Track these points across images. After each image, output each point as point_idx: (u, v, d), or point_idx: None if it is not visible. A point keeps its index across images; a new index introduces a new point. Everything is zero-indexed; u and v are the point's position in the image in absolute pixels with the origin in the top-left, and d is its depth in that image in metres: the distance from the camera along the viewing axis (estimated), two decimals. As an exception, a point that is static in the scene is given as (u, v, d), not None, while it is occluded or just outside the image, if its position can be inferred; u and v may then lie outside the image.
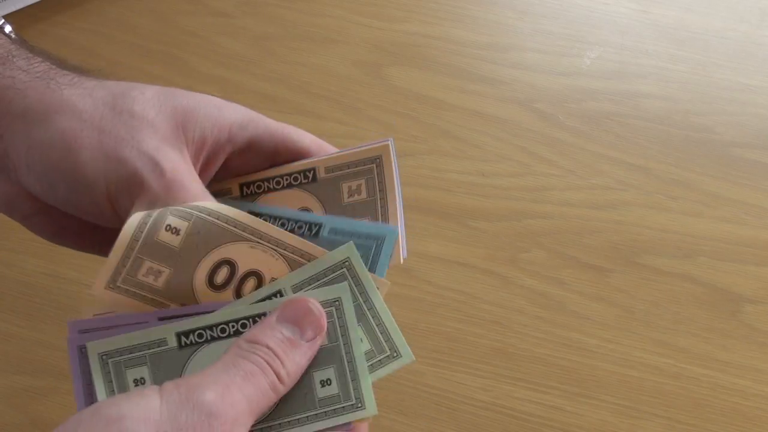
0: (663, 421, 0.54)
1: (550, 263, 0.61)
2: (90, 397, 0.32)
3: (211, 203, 0.33)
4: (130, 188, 0.32)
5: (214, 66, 0.72)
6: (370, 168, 0.35)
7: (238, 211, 0.33)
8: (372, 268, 0.34)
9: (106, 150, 0.32)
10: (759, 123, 0.68)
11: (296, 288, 0.33)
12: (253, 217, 0.33)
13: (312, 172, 0.36)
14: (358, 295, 0.33)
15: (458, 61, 0.72)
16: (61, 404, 0.55)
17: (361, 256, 0.33)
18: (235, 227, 0.33)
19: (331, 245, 0.34)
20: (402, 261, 0.34)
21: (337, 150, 0.37)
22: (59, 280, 0.61)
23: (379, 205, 0.35)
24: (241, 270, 0.33)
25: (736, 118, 0.68)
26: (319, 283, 0.33)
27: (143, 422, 0.26)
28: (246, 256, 0.33)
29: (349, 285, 0.33)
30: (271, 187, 0.37)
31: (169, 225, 0.32)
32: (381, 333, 0.33)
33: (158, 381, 0.31)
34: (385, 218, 0.35)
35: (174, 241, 0.32)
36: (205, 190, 0.34)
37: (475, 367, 0.57)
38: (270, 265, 0.33)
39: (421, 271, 0.60)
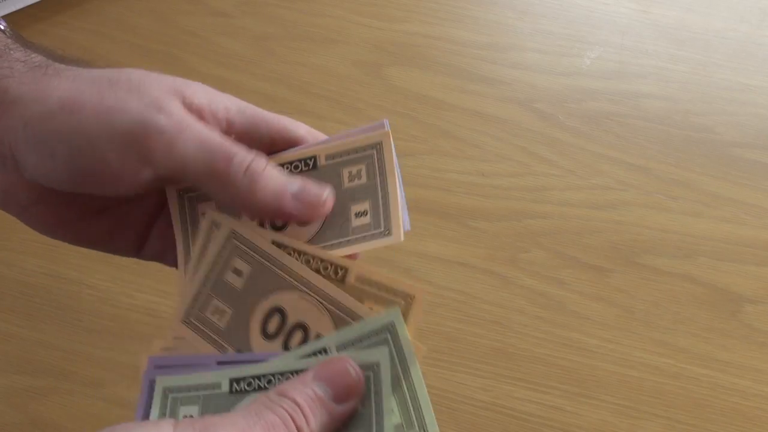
0: (663, 421, 0.54)
1: (550, 263, 0.61)
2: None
3: (273, 248, 0.34)
4: (140, 135, 0.31)
5: (214, 66, 0.72)
6: (370, 153, 0.35)
7: (293, 260, 0.34)
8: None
9: (108, 105, 0.32)
10: (759, 123, 0.68)
11: (340, 348, 0.32)
12: (306, 268, 0.34)
13: (312, 159, 0.36)
14: (398, 362, 0.32)
15: (458, 61, 0.72)
16: (61, 404, 0.55)
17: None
18: (289, 276, 0.34)
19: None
20: (404, 232, 0.34)
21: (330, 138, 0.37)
22: (59, 280, 0.61)
23: (379, 188, 0.35)
24: (290, 320, 0.33)
25: (736, 118, 0.68)
26: (362, 344, 0.32)
27: None
28: (295, 307, 0.33)
29: (390, 351, 0.32)
30: None
31: (235, 267, 0.34)
32: (413, 408, 0.32)
33: None
34: (386, 200, 0.34)
35: (237, 282, 0.34)
36: (215, 132, 0.33)
37: (475, 367, 0.57)
38: (316, 318, 0.33)
39: (421, 271, 0.60)
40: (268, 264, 0.34)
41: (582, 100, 0.70)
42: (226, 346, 0.34)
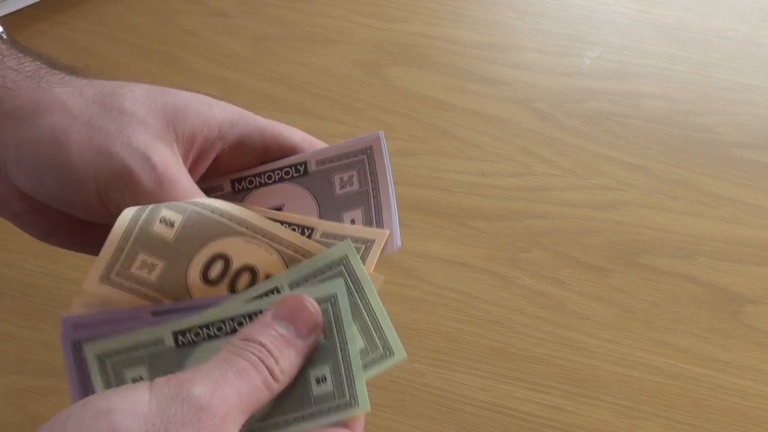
0: (663, 421, 0.54)
1: (550, 263, 0.61)
2: (86, 392, 0.32)
3: (210, 199, 0.33)
4: (121, 183, 0.32)
5: (214, 66, 0.72)
6: (361, 159, 0.35)
7: (234, 205, 0.33)
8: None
9: (95, 145, 0.32)
10: (759, 123, 0.68)
11: (293, 285, 0.32)
12: (249, 211, 0.33)
13: (303, 165, 0.36)
14: (354, 292, 0.33)
15: (458, 61, 0.72)
16: (61, 404, 0.55)
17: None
18: (230, 220, 0.33)
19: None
20: (396, 249, 0.34)
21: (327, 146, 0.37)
22: (59, 280, 0.61)
23: (371, 196, 0.35)
24: (236, 265, 0.32)
25: (736, 118, 0.68)
26: (316, 280, 0.33)
27: (132, 415, 0.26)
28: (240, 251, 0.32)
29: (345, 282, 0.32)
30: (263, 182, 0.37)
31: (164, 218, 0.32)
32: (375, 330, 0.33)
33: None
34: (378, 208, 0.35)
35: (168, 233, 0.32)
36: (195, 186, 0.34)
37: (475, 367, 0.57)
38: (265, 260, 0.32)
39: (421, 271, 0.60)
40: (206, 212, 0.32)
41: (582, 100, 0.70)
42: (160, 297, 0.32)
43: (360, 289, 0.33)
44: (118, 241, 0.32)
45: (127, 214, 0.32)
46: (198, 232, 0.32)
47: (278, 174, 0.36)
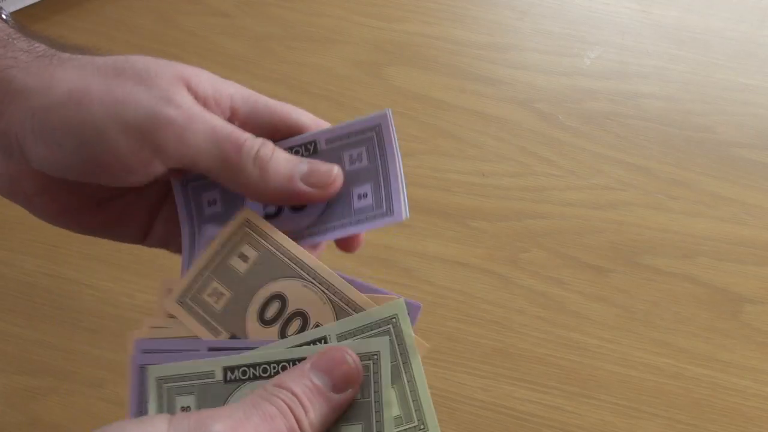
0: (663, 421, 0.54)
1: (550, 263, 0.61)
2: (141, 413, 0.33)
3: (284, 238, 0.34)
4: (151, 126, 0.31)
5: (214, 66, 0.72)
6: (370, 136, 0.35)
7: (303, 251, 0.34)
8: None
9: (116, 97, 0.32)
10: (759, 123, 0.68)
11: (341, 337, 0.32)
12: (315, 259, 0.34)
13: (313, 144, 0.36)
14: (398, 355, 0.32)
15: (458, 61, 0.72)
16: (61, 404, 0.55)
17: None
18: (294, 264, 0.34)
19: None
20: (404, 216, 0.34)
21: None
22: (59, 280, 0.60)
23: (380, 170, 0.35)
24: (290, 307, 0.33)
25: (736, 118, 0.68)
26: (363, 336, 0.32)
27: None
28: (297, 294, 0.33)
29: (391, 341, 0.32)
30: None
31: (242, 253, 0.34)
32: (413, 401, 0.32)
33: None
34: (387, 182, 0.35)
35: (242, 267, 0.34)
36: (225, 121, 0.33)
37: (475, 367, 0.57)
38: (317, 307, 0.33)
39: (421, 271, 0.60)
40: (277, 252, 0.34)
41: (582, 100, 0.70)
42: (220, 329, 0.34)
43: (405, 352, 0.32)
44: (202, 265, 0.34)
45: (216, 244, 0.34)
46: (266, 270, 0.34)
47: (289, 153, 0.36)
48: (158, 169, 0.33)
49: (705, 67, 0.71)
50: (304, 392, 0.29)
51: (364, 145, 0.35)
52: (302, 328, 0.33)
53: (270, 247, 0.34)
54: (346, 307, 0.33)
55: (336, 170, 0.34)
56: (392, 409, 0.31)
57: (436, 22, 0.75)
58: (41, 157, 0.32)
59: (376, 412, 0.31)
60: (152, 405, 0.32)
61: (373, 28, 0.75)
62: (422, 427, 0.32)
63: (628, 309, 0.59)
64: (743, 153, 0.66)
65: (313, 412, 0.29)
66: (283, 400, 0.29)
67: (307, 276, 0.33)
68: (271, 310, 0.33)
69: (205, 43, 0.74)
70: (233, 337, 0.33)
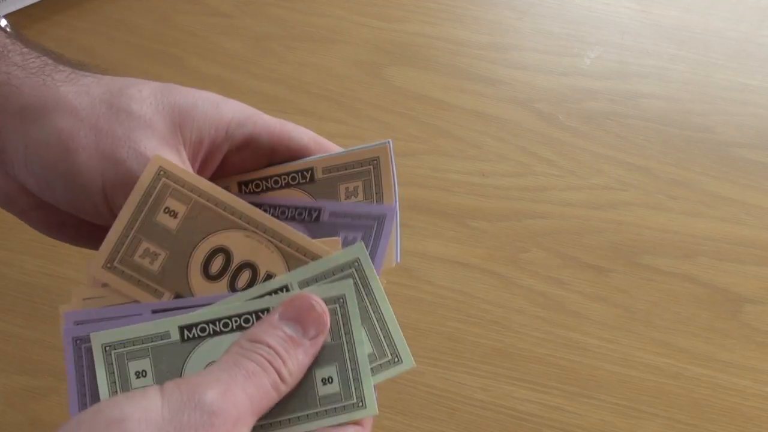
0: (663, 421, 0.54)
1: (550, 263, 0.61)
2: (83, 389, 0.32)
3: (211, 186, 0.33)
4: (127, 188, 0.32)
5: (214, 66, 0.72)
6: (368, 170, 0.35)
7: (236, 198, 0.33)
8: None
9: (102, 150, 0.32)
10: (759, 123, 0.68)
11: (302, 284, 0.32)
12: (250, 206, 0.33)
13: (310, 172, 0.36)
14: (364, 296, 0.33)
15: (458, 61, 0.72)
16: (61, 404, 0.55)
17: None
18: (232, 214, 0.33)
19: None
20: (394, 265, 0.34)
21: (336, 147, 0.37)
22: (59, 280, 0.60)
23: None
24: (236, 260, 0.32)
25: (736, 118, 0.68)
26: (326, 281, 0.33)
27: (145, 423, 0.26)
28: (241, 246, 0.32)
29: (355, 284, 0.33)
30: (270, 186, 0.37)
31: (168, 207, 0.32)
32: (384, 336, 0.33)
33: (159, 374, 0.31)
34: (381, 221, 0.35)
35: (171, 223, 0.33)
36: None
37: (475, 367, 0.57)
38: (265, 257, 0.33)
39: (421, 271, 0.60)
40: (208, 203, 0.33)
41: (582, 100, 0.70)
42: (161, 290, 0.32)
43: (370, 292, 0.33)
44: (123, 226, 0.32)
45: (133, 200, 0.32)
46: (201, 223, 0.33)
47: (285, 179, 0.36)
48: None
49: (705, 67, 0.71)
50: (279, 344, 0.30)
51: (361, 179, 0.35)
52: (252, 280, 0.33)
53: (199, 198, 0.33)
54: (296, 254, 0.33)
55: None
56: (364, 347, 0.32)
57: (436, 22, 0.75)
58: (31, 185, 0.33)
59: (348, 351, 0.32)
60: (101, 374, 0.31)
61: (373, 28, 0.75)
62: (396, 359, 0.32)
63: (628, 309, 0.59)
64: (743, 153, 0.66)
65: (291, 361, 0.30)
66: (262, 355, 0.30)
67: (248, 226, 0.33)
68: (216, 265, 0.32)
69: (205, 43, 0.74)
70: (178, 296, 0.32)
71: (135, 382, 0.31)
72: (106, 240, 0.32)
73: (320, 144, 0.37)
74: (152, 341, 0.31)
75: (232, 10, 0.76)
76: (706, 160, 0.66)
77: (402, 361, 0.33)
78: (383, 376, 0.32)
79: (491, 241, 0.62)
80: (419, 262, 0.61)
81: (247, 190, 0.37)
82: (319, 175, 0.36)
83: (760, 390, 0.56)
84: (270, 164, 0.37)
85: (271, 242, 0.33)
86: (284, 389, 0.30)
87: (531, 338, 0.58)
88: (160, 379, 0.31)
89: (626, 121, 0.68)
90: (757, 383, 0.56)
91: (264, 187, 0.37)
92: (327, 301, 0.32)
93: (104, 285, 0.33)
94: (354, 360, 0.32)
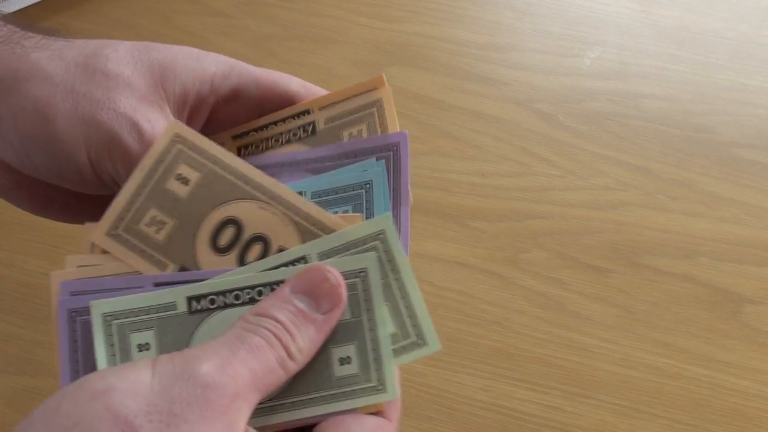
0: (663, 422, 0.54)
1: (550, 263, 0.61)
2: (75, 365, 0.30)
3: (227, 154, 0.31)
4: (111, 152, 0.31)
5: (214, 66, 0.72)
6: (371, 112, 0.34)
7: (253, 168, 0.31)
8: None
9: (81, 114, 0.30)
10: (759, 123, 0.68)
11: (322, 256, 0.30)
12: (268, 177, 0.30)
13: (311, 125, 0.34)
14: (389, 271, 0.30)
15: (458, 61, 0.72)
16: (61, 404, 0.55)
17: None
18: (246, 184, 0.30)
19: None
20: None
21: (324, 91, 0.36)
22: (59, 281, 0.60)
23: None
24: (248, 232, 0.30)
25: (736, 118, 0.68)
26: (348, 254, 0.30)
27: (132, 395, 0.24)
28: (254, 217, 0.30)
29: (379, 258, 0.30)
30: (270, 145, 0.35)
31: (180, 174, 0.31)
32: (409, 316, 0.30)
33: (164, 347, 0.29)
34: (398, 150, 0.33)
35: (182, 191, 0.31)
36: None
37: (475, 367, 0.57)
38: (279, 230, 0.30)
39: (421, 271, 0.60)
40: (222, 172, 0.31)
41: (582, 100, 0.70)
42: (165, 261, 0.30)
43: (395, 268, 0.30)
44: (131, 193, 0.30)
45: (144, 165, 0.30)
46: (212, 192, 0.30)
47: (286, 137, 0.34)
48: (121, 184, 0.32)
49: (705, 67, 0.71)
50: (288, 318, 0.28)
51: (365, 122, 0.34)
52: (264, 253, 0.30)
53: (213, 166, 0.31)
54: (312, 228, 0.30)
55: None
56: (387, 326, 0.29)
57: (436, 23, 0.75)
58: (11, 158, 0.32)
59: (369, 330, 0.29)
60: (100, 345, 0.29)
61: (373, 28, 0.74)
62: (420, 342, 0.30)
63: (628, 309, 0.59)
64: (743, 153, 0.66)
65: (301, 337, 0.28)
66: (269, 329, 0.27)
67: (262, 197, 0.30)
68: (225, 237, 0.30)
69: (205, 43, 0.74)
70: (183, 269, 0.30)
71: (137, 355, 0.29)
72: (111, 205, 0.31)
73: (309, 89, 0.35)
74: (157, 312, 0.29)
75: (232, 10, 0.76)
76: (706, 160, 0.66)
77: (427, 344, 0.30)
78: (406, 358, 0.30)
79: (491, 241, 0.62)
80: (419, 262, 0.61)
81: (247, 152, 0.35)
82: (320, 126, 0.34)
83: (761, 390, 0.56)
84: (260, 115, 0.35)
85: (287, 215, 0.30)
86: (293, 367, 0.28)
87: (531, 338, 0.58)
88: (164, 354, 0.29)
89: (626, 121, 0.68)
90: (757, 384, 0.56)
91: (264, 147, 0.35)
92: (347, 275, 0.29)
93: (104, 252, 0.31)
94: (375, 339, 0.29)
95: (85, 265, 0.30)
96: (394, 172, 0.33)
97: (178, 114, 0.33)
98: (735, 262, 0.61)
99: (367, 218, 0.31)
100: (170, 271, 0.30)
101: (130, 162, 0.31)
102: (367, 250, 0.30)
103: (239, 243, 0.30)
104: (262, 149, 0.35)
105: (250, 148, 0.35)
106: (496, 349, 0.57)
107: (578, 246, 0.62)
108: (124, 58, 0.32)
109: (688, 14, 0.75)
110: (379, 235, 0.30)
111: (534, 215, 0.63)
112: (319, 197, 0.31)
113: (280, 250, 0.30)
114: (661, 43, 0.73)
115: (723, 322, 0.58)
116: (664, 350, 0.57)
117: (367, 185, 0.32)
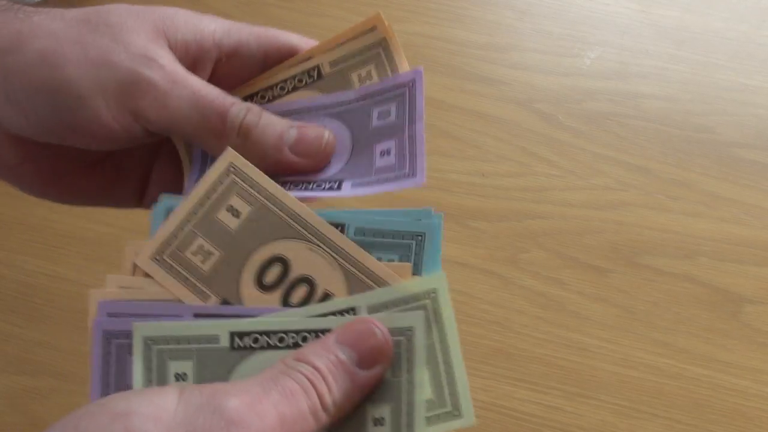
0: (663, 421, 0.54)
1: (550, 263, 0.61)
2: (107, 389, 0.29)
3: (281, 191, 0.30)
4: (132, 90, 0.30)
5: (214, 66, 0.72)
6: (377, 53, 0.34)
7: (306, 207, 0.30)
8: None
9: (93, 59, 0.30)
10: (759, 123, 0.68)
11: (372, 309, 0.29)
12: (321, 219, 0.30)
13: (316, 69, 0.34)
14: (435, 332, 0.29)
15: (458, 61, 0.72)
16: (61, 405, 0.55)
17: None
18: (297, 224, 0.30)
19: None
20: (422, 184, 0.31)
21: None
22: (59, 280, 0.60)
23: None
24: (294, 272, 0.30)
25: (736, 118, 0.68)
26: (397, 309, 0.29)
27: (153, 420, 0.24)
28: (302, 258, 0.30)
29: (426, 318, 0.29)
30: (276, 94, 0.35)
31: (231, 206, 0.30)
32: (448, 384, 0.29)
33: (201, 380, 0.28)
34: (412, 141, 0.32)
35: (232, 223, 0.30)
36: (207, 83, 0.31)
37: (476, 367, 0.57)
38: (326, 274, 0.30)
39: (421, 272, 0.60)
40: (274, 208, 0.30)
41: (582, 100, 0.70)
42: (208, 292, 0.30)
43: (441, 331, 0.29)
44: (180, 219, 0.30)
45: (197, 192, 0.30)
46: (262, 228, 0.30)
47: (291, 83, 0.34)
48: (140, 132, 0.31)
49: (705, 67, 0.71)
50: (328, 368, 0.27)
51: (373, 62, 0.33)
52: (309, 296, 0.29)
53: (266, 201, 0.30)
54: (359, 274, 0.29)
55: (327, 136, 0.31)
56: (424, 391, 0.28)
57: (436, 23, 0.75)
58: (18, 121, 0.31)
59: (407, 393, 0.28)
60: (138, 369, 0.28)
61: (373, 28, 0.74)
62: (456, 413, 0.28)
63: (628, 309, 0.59)
64: (743, 153, 0.66)
65: (337, 389, 0.27)
66: (306, 376, 0.26)
67: (313, 238, 0.30)
68: (272, 274, 0.30)
69: (205, 43, 0.74)
70: (225, 302, 0.30)
71: (153, 387, 0.28)
72: (160, 229, 0.30)
73: (309, 43, 0.35)
74: (199, 343, 0.28)
75: (232, 10, 0.76)
76: (706, 160, 0.66)
77: (462, 416, 0.28)
78: (437, 429, 0.28)
79: (491, 241, 0.62)
80: (419, 262, 0.61)
81: (253, 102, 0.35)
82: (326, 70, 0.34)
83: (761, 390, 0.56)
84: (263, 71, 0.35)
85: (336, 259, 0.30)
86: (324, 419, 0.26)
87: (531, 339, 0.58)
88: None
89: (626, 121, 0.68)
90: (757, 383, 0.56)
91: (270, 97, 0.35)
92: (393, 332, 0.28)
93: (145, 276, 0.30)
94: (411, 404, 0.28)
95: (126, 287, 0.30)
96: (409, 109, 0.32)
97: (181, 62, 0.32)
98: (735, 262, 0.61)
99: (413, 269, 0.30)
100: (212, 303, 0.30)
101: (155, 97, 0.30)
102: (416, 308, 0.29)
103: (285, 282, 0.30)
104: (268, 99, 0.35)
105: (255, 97, 0.35)
106: (496, 349, 0.57)
107: (578, 246, 0.62)
108: (125, 12, 0.32)
109: (688, 14, 0.75)
110: (431, 294, 0.29)
111: (534, 215, 0.63)
112: (363, 235, 0.30)
113: (326, 293, 0.30)
114: (661, 43, 0.73)
115: (723, 322, 0.58)
116: (664, 350, 0.57)
117: (419, 237, 0.31)
